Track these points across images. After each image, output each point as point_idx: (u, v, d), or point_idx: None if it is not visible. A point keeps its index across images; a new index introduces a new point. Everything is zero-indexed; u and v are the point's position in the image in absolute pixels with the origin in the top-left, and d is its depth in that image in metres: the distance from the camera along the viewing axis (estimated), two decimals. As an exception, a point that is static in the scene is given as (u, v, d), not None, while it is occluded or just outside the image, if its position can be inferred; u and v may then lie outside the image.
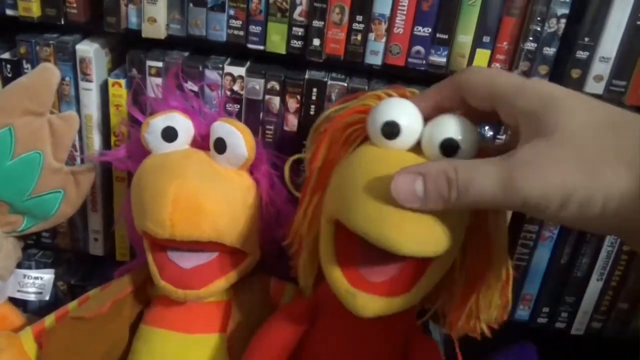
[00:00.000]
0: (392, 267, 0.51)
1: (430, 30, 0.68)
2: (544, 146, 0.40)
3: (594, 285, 0.80)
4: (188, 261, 0.63)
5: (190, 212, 0.60)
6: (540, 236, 0.77)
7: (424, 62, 0.70)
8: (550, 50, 0.68)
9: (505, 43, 0.68)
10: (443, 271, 0.53)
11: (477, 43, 0.69)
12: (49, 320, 0.68)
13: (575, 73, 0.69)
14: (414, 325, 0.62)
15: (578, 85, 0.69)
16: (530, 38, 0.67)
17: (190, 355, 0.66)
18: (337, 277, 0.51)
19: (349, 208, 0.48)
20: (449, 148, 0.48)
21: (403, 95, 0.56)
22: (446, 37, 0.69)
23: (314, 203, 0.58)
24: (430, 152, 0.50)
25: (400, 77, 0.73)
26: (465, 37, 0.69)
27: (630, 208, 0.37)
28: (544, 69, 0.69)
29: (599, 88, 0.69)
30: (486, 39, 0.68)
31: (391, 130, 0.49)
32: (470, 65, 0.70)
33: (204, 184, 0.61)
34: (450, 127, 0.49)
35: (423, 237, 0.47)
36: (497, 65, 0.70)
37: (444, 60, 0.70)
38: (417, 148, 0.51)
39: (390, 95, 0.57)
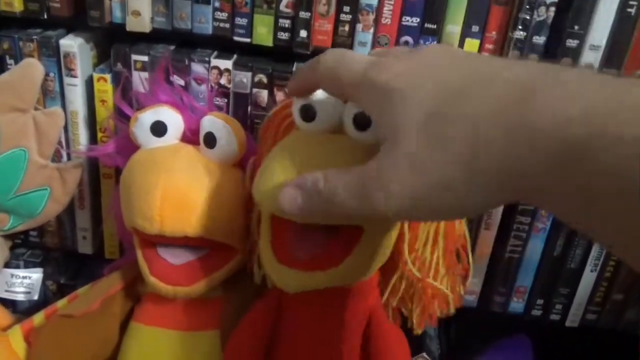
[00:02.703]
0: (321, 245, 0.51)
1: (418, 20, 0.68)
2: (385, 152, 0.36)
3: (588, 277, 0.80)
4: (178, 257, 0.63)
5: (179, 208, 0.59)
6: (533, 228, 0.77)
7: (413, 52, 0.69)
8: (540, 39, 0.68)
9: (494, 32, 0.68)
10: (383, 242, 0.53)
11: (466, 33, 0.68)
12: (38, 318, 0.67)
13: (565, 62, 0.68)
14: (377, 312, 0.60)
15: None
16: (520, 27, 0.67)
17: (181, 353, 0.65)
18: (267, 256, 0.54)
19: (255, 185, 0.51)
20: (361, 122, 0.49)
21: None
22: (434, 27, 0.68)
23: None
24: (349, 130, 0.50)
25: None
26: (453, 27, 0.68)
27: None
28: (533, 58, 0.69)
29: (589, 76, 0.69)
30: (475, 28, 0.68)
31: (306, 113, 0.51)
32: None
33: (194, 179, 0.61)
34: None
35: None
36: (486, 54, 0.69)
37: (433, 50, 0.69)
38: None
39: None
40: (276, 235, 0.53)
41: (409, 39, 0.69)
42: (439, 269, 0.60)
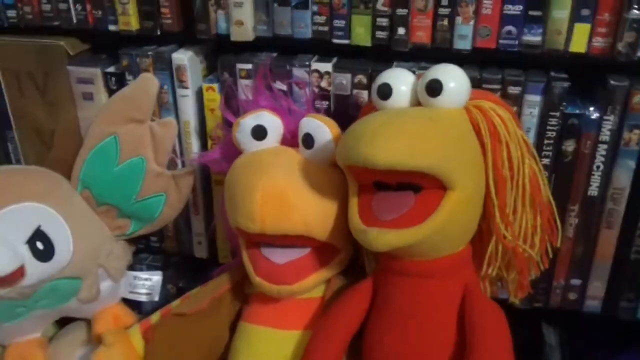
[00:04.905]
0: (404, 205, 0.56)
1: (521, 7, 0.65)
2: None
3: None
4: (281, 257, 0.64)
5: (279, 206, 0.60)
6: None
7: (517, 42, 0.66)
8: (659, 18, 0.62)
9: (606, 14, 0.63)
10: (465, 207, 0.56)
11: (575, 17, 0.64)
12: (155, 317, 0.71)
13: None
14: (473, 289, 0.60)
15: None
16: (635, 6, 0.62)
17: (287, 352, 0.66)
18: (353, 221, 0.58)
19: (338, 147, 0.58)
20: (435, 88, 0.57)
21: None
22: (540, 13, 0.65)
23: None
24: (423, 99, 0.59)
25: (491, 61, 0.69)
26: (561, 12, 0.64)
27: None
28: (653, 40, 0.63)
29: None
30: (585, 11, 0.64)
31: (384, 91, 0.60)
32: (568, 42, 0.65)
33: (293, 179, 0.62)
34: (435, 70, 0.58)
35: (396, 149, 0.52)
36: (599, 39, 0.65)
37: (539, 39, 0.66)
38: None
39: None
40: (362, 203, 0.58)
41: (512, 28, 0.66)
42: (528, 233, 0.61)
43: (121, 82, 0.77)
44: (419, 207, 0.55)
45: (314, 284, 0.65)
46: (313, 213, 0.61)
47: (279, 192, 0.60)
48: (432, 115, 0.57)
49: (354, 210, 0.59)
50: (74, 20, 0.76)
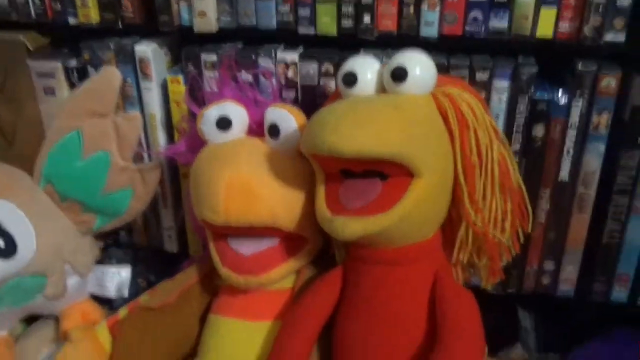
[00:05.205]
0: (370, 193, 0.55)
1: (486, -7, 0.64)
2: None
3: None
4: (247, 248, 0.63)
5: (243, 197, 0.60)
6: (632, 208, 0.70)
7: (483, 28, 0.66)
8: (625, 1, 0.62)
9: (571, -2, 0.63)
10: (433, 193, 0.56)
11: (540, 2, 0.64)
12: (122, 312, 0.70)
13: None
14: (443, 275, 0.60)
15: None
16: (600, -11, 0.61)
17: (257, 343, 0.66)
18: (320, 210, 0.58)
19: (303, 136, 0.58)
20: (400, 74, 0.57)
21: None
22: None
23: None
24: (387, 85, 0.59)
25: (458, 48, 0.69)
26: (526, -3, 0.64)
27: None
28: (619, 23, 0.63)
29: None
30: (550, -4, 0.63)
31: (349, 79, 0.59)
32: (534, 27, 0.65)
33: (258, 169, 0.61)
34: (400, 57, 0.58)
35: (361, 136, 0.52)
36: (566, 24, 0.64)
37: (505, 24, 0.65)
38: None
39: None
40: (329, 192, 0.58)
41: (479, 13, 0.65)
42: (498, 219, 0.60)
43: (83, 76, 0.75)
44: (386, 194, 0.55)
45: (282, 275, 0.64)
46: (279, 203, 0.61)
47: (244, 183, 0.59)
48: (397, 102, 0.56)
49: (321, 199, 0.58)
50: (33, 15, 0.74)
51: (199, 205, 0.62)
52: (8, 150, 0.79)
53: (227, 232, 0.63)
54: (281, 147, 0.63)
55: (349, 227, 0.54)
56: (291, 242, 0.64)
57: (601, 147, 0.68)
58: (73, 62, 0.76)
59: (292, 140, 0.62)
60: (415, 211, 0.55)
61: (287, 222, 0.62)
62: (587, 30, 0.64)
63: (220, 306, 0.68)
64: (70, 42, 0.77)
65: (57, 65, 0.75)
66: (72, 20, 0.73)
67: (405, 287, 0.60)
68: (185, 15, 0.71)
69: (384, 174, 0.56)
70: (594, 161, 0.69)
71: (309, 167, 0.63)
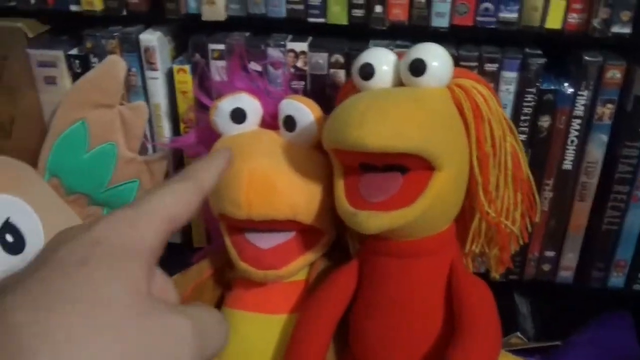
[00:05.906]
0: (392, 187, 0.56)
1: (498, -16, 0.65)
2: None
3: (695, 247, 0.74)
4: (266, 242, 0.63)
5: (265, 192, 0.59)
6: (632, 197, 0.72)
7: (494, 19, 0.66)
8: (632, -9, 0.63)
9: (582, -12, 0.64)
10: (452, 186, 0.57)
11: (551, -8, 0.65)
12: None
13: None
14: (458, 265, 0.61)
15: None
16: (611, -23, 0.62)
17: (273, 336, 0.65)
18: (341, 204, 0.57)
19: (325, 131, 0.57)
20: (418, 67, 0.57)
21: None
22: (517, -11, 0.65)
23: None
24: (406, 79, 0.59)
25: (469, 39, 0.69)
26: (538, -11, 0.64)
27: None
28: (626, 15, 0.64)
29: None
30: (561, -14, 0.64)
31: (366, 72, 0.59)
32: (544, 18, 0.66)
33: (277, 163, 0.61)
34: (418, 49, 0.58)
35: (385, 131, 0.52)
36: (575, 15, 0.65)
37: (515, 15, 0.66)
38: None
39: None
40: (348, 185, 0.58)
41: (489, 5, 0.66)
42: (510, 209, 0.62)
43: (86, 65, 0.73)
44: (407, 188, 0.55)
45: (300, 267, 0.64)
46: (299, 197, 0.60)
47: (265, 177, 0.59)
48: (417, 96, 0.56)
49: (340, 192, 0.58)
50: (32, 1, 0.72)
51: (218, 200, 0.61)
52: (6, 143, 0.77)
53: (247, 226, 0.62)
54: (297, 139, 0.63)
55: (374, 221, 0.54)
56: (308, 235, 0.64)
57: (604, 137, 0.70)
58: (75, 51, 0.74)
59: (308, 133, 0.62)
60: (437, 204, 0.56)
61: (307, 216, 0.62)
62: (595, 22, 0.65)
63: (234, 299, 0.67)
64: (70, 30, 0.75)
65: (58, 54, 0.72)
66: (74, 8, 0.71)
67: (423, 278, 0.60)
68: (192, 3, 0.69)
69: (404, 167, 0.56)
70: (597, 151, 0.71)
71: (325, 159, 0.63)
